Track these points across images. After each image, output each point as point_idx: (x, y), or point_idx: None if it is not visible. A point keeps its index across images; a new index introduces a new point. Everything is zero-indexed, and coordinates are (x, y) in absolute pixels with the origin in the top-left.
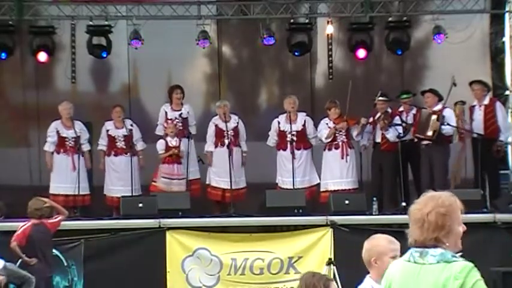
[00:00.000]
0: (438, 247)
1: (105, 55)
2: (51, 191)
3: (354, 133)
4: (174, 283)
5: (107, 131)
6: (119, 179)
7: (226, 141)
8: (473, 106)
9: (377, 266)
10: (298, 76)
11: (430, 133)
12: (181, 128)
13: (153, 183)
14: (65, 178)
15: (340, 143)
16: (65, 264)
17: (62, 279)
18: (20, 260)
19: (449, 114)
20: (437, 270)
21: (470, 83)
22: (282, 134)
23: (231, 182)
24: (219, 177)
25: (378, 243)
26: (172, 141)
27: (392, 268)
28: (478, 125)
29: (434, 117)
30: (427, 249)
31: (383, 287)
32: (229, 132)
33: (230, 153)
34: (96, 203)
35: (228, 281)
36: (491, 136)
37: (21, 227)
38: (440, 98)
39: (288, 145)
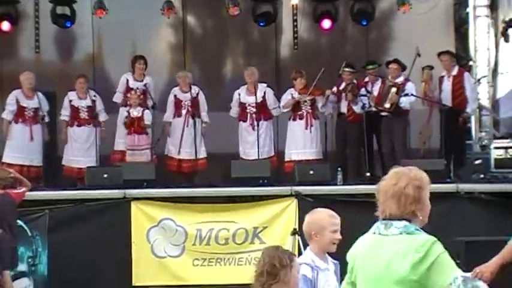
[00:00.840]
0: (404, 220)
1: (69, 25)
2: (5, 159)
3: (319, 104)
4: (139, 253)
5: (70, 101)
6: (79, 150)
7: (183, 112)
8: (442, 77)
9: (317, 239)
10: (263, 46)
11: (387, 105)
12: (142, 98)
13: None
14: (21, 148)
15: (305, 113)
16: (29, 234)
17: (26, 249)
18: None
19: (411, 88)
20: (399, 241)
21: (439, 54)
22: (242, 106)
23: (184, 151)
24: (174, 147)
25: (319, 217)
26: (134, 112)
27: (358, 242)
28: (446, 95)
29: (394, 89)
30: (391, 221)
31: (349, 262)
32: (186, 103)
33: (185, 124)
34: (58, 173)
35: (193, 251)
36: (458, 107)
37: None
38: (404, 68)
39: (248, 116)
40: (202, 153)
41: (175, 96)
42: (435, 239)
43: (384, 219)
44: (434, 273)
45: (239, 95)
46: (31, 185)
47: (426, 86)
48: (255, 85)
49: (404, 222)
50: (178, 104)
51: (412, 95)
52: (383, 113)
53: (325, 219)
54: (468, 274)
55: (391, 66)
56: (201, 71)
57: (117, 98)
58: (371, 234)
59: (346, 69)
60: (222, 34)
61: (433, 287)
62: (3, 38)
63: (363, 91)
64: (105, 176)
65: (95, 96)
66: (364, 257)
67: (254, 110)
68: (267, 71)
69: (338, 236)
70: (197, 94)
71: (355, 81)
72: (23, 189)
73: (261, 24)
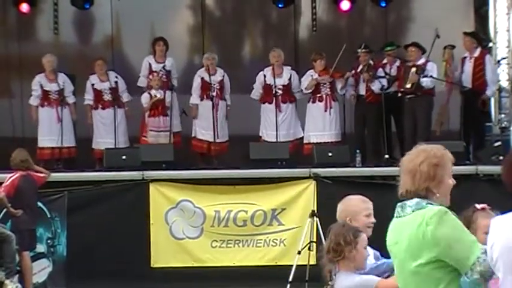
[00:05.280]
0: (417, 197)
1: (87, 6)
2: (40, 144)
3: (339, 86)
4: (158, 235)
5: (92, 84)
6: (108, 132)
7: (212, 94)
8: (464, 58)
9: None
10: (282, 28)
11: (408, 85)
12: (165, 80)
13: (143, 137)
14: (49, 131)
15: (324, 96)
16: (49, 216)
17: (45, 230)
18: (4, 211)
19: (432, 68)
20: (412, 220)
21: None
22: (267, 88)
23: (216, 134)
24: (205, 130)
25: (352, 203)
26: (157, 94)
27: (388, 230)
28: (467, 77)
29: (413, 69)
30: (405, 201)
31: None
32: (214, 85)
33: (215, 107)
34: (81, 155)
35: (212, 233)
36: (479, 89)
37: (9, 178)
38: (423, 51)
39: (274, 98)
40: (226, 136)
41: (202, 78)
42: (445, 209)
43: (407, 196)
44: (454, 251)
45: (264, 76)
46: (50, 174)
47: (447, 66)
48: (281, 67)
49: (416, 200)
50: (205, 86)
51: (431, 76)
52: (408, 96)
53: (358, 204)
54: (485, 247)
55: (410, 49)
56: (220, 53)
57: (142, 82)
58: (395, 219)
59: (363, 50)
60: (241, 16)
61: (453, 263)
62: (22, 20)
63: (380, 72)
64: (124, 157)
65: (116, 77)
66: (391, 244)
67: (281, 92)
68: (285, 53)
69: (372, 219)
70: (223, 76)
71: (371, 62)
72: (44, 175)
73: (280, 5)
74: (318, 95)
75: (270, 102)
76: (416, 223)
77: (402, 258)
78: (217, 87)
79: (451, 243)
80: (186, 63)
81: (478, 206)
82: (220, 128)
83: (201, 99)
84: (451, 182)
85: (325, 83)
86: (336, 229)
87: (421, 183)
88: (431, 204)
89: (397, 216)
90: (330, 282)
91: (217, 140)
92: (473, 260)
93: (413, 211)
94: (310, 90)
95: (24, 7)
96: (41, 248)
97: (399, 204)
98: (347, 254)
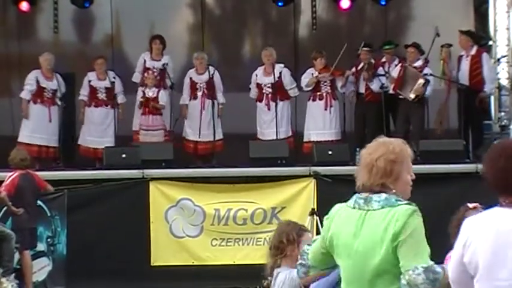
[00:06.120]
0: (383, 192)
1: (87, 5)
2: (22, 139)
3: (339, 84)
4: (158, 233)
5: (89, 81)
6: (97, 131)
7: (199, 94)
8: (461, 56)
9: None
10: (282, 27)
11: (412, 96)
12: (159, 79)
13: (138, 134)
14: (40, 129)
15: (325, 94)
16: (49, 214)
17: (45, 229)
18: (4, 209)
19: (428, 72)
20: (382, 214)
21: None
22: (259, 87)
23: (202, 134)
24: (191, 130)
25: None
26: (150, 92)
27: (336, 212)
28: (464, 75)
29: (421, 81)
30: (371, 195)
31: (325, 231)
32: (201, 85)
33: (202, 106)
34: (76, 154)
35: (212, 231)
36: (476, 87)
37: (9, 177)
38: (422, 53)
39: (264, 97)
40: (219, 135)
41: (190, 78)
42: (416, 208)
43: (363, 190)
44: (404, 249)
45: (256, 76)
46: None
47: (445, 65)
48: (272, 66)
49: (384, 195)
50: (193, 86)
51: (431, 74)
52: (401, 96)
53: None
54: (431, 262)
55: (409, 50)
56: (220, 52)
57: (136, 78)
58: (350, 209)
59: (364, 48)
60: (241, 14)
61: (398, 260)
62: (22, 19)
63: (380, 71)
64: (124, 156)
65: (114, 77)
66: (346, 233)
67: (270, 90)
68: (285, 52)
69: None
70: (212, 75)
71: (372, 60)
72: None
73: (280, 4)
74: (318, 93)
75: (261, 101)
76: (386, 218)
77: (367, 249)
78: (204, 87)
79: (408, 243)
80: (186, 62)
81: (470, 205)
82: (207, 127)
83: (190, 99)
84: (409, 177)
85: (325, 81)
86: (281, 227)
87: (377, 179)
88: (400, 200)
89: (358, 208)
90: (269, 278)
91: (203, 139)
92: (410, 267)
93: (382, 207)
94: (310, 88)
95: (24, 6)
96: (41, 246)
97: (362, 196)
98: (289, 252)
